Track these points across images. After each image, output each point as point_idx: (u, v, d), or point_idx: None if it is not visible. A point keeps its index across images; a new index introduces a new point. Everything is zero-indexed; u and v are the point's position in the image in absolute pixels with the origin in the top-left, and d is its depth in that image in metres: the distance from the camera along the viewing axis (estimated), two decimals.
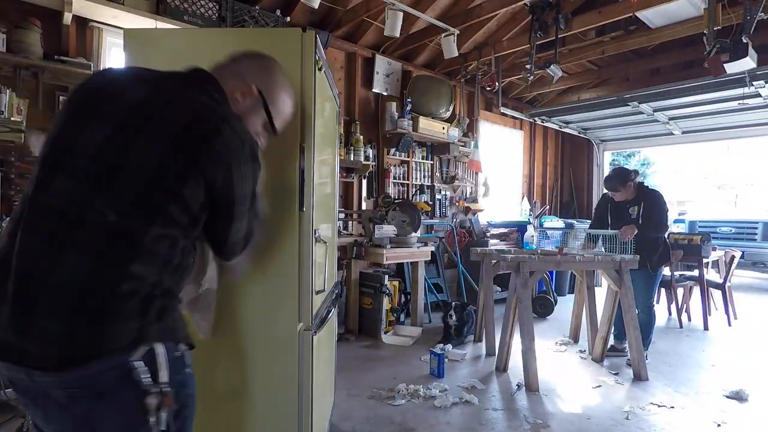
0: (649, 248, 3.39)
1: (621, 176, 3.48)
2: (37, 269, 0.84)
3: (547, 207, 7.17)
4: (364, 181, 4.88)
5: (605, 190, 3.62)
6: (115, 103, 0.94)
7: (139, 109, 0.93)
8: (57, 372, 0.82)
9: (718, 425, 2.53)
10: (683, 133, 6.23)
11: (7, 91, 2.61)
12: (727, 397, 2.89)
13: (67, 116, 0.96)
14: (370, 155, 4.78)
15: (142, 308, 0.88)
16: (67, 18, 2.96)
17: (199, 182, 0.93)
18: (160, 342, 0.88)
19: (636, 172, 3.58)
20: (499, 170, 6.61)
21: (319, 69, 1.62)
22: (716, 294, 5.03)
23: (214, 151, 0.93)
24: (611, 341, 3.67)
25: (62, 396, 0.85)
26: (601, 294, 3.83)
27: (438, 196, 5.65)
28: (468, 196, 6.04)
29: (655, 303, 3.65)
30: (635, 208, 3.45)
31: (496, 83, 5.50)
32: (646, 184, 3.61)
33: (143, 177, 0.88)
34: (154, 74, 1.02)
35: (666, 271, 4.68)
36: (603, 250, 3.58)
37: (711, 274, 5.36)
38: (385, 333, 4.09)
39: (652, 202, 3.42)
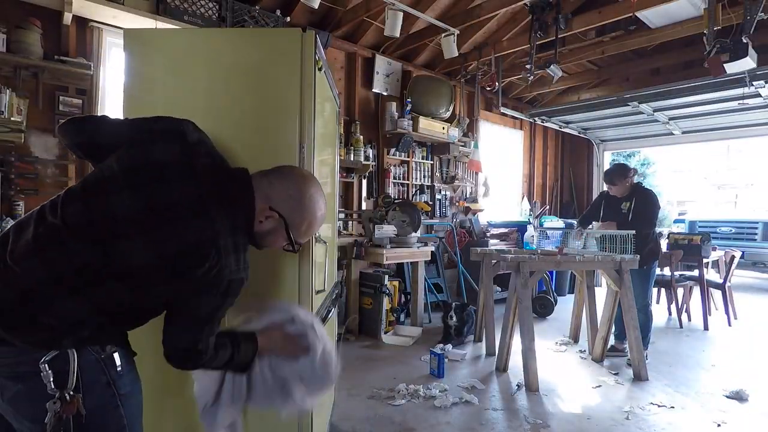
0: (638, 243, 3.42)
1: (620, 171, 3.56)
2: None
3: (547, 207, 7.17)
4: (364, 181, 4.88)
5: (604, 185, 3.71)
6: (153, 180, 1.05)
7: (165, 205, 1.03)
8: None
9: (718, 425, 2.53)
10: (683, 133, 6.23)
11: (7, 91, 2.61)
12: (727, 397, 2.89)
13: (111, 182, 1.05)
14: (370, 155, 4.79)
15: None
16: (67, 18, 2.96)
17: (167, 291, 1.05)
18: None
19: (635, 171, 3.65)
20: (499, 170, 6.61)
21: (319, 69, 1.62)
22: (716, 294, 5.03)
23: (194, 277, 1.02)
24: (611, 341, 3.68)
25: None
26: (601, 294, 3.83)
27: (438, 196, 5.65)
28: (468, 196, 6.04)
29: (652, 302, 3.66)
30: (627, 204, 3.53)
31: (496, 83, 5.50)
32: (642, 184, 3.68)
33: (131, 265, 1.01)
34: (201, 169, 1.10)
35: (666, 270, 4.69)
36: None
37: (711, 274, 5.36)
38: (385, 333, 4.09)
39: (643, 199, 3.51)
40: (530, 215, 6.43)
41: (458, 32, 4.52)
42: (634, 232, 3.33)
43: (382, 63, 4.94)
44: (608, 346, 3.64)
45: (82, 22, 3.11)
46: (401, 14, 3.99)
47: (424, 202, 5.37)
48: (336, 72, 4.65)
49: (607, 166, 7.58)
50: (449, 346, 3.75)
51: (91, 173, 1.11)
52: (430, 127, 5.08)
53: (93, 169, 1.15)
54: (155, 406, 1.56)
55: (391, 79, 5.06)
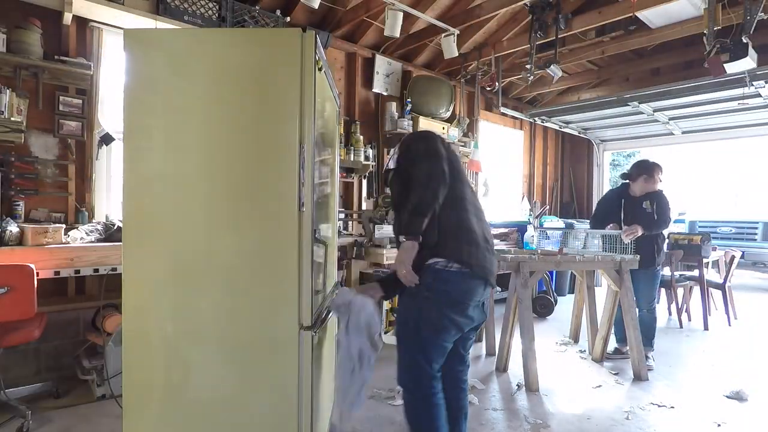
0: (657, 245, 3.43)
1: (654, 166, 3.49)
2: (489, 238, 1.82)
3: (547, 207, 7.17)
4: (364, 181, 4.88)
5: (605, 184, 3.64)
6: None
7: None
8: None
9: (718, 425, 2.53)
10: (683, 133, 6.23)
11: (7, 91, 2.60)
12: (727, 397, 2.90)
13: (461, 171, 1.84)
14: (370, 155, 4.78)
15: None
16: (67, 18, 2.95)
17: None
18: None
19: None
20: (499, 170, 6.61)
21: (319, 69, 1.62)
22: (716, 294, 5.03)
23: None
24: (615, 344, 3.67)
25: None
26: (601, 294, 3.83)
27: None
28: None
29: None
30: (648, 203, 3.46)
31: (496, 83, 5.50)
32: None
33: None
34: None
35: (666, 271, 4.69)
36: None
37: (711, 274, 5.36)
38: (385, 333, 4.09)
39: (662, 200, 3.46)
40: (530, 215, 6.43)
41: (458, 32, 4.51)
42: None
43: (382, 63, 4.94)
44: (612, 349, 3.64)
45: (82, 22, 3.10)
46: (401, 14, 3.99)
47: None
48: (336, 72, 4.65)
49: (607, 166, 7.60)
50: None
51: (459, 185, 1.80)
52: (430, 127, 5.07)
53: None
54: (162, 405, 1.56)
55: (391, 79, 5.06)
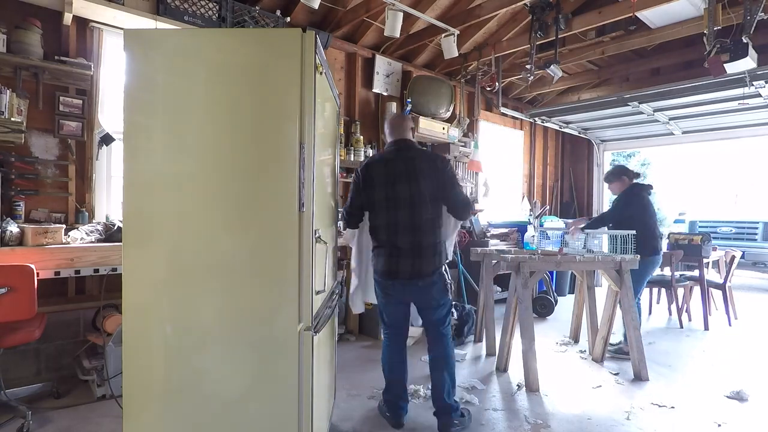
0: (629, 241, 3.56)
1: (615, 172, 3.84)
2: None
3: (547, 207, 7.17)
4: None
5: (605, 185, 3.92)
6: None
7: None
8: None
9: (719, 425, 2.53)
10: (683, 133, 6.23)
11: (7, 91, 2.60)
12: (727, 397, 2.89)
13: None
14: (370, 155, 4.78)
15: None
16: (67, 18, 2.96)
17: None
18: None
19: (636, 174, 3.83)
20: (499, 170, 6.61)
21: (320, 74, 1.62)
22: (716, 294, 5.03)
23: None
24: (621, 342, 3.67)
25: None
26: (601, 294, 3.82)
27: None
28: (468, 196, 6.03)
29: (639, 297, 3.72)
30: (615, 203, 3.83)
31: (496, 83, 5.50)
32: (635, 186, 3.76)
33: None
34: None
35: (666, 271, 4.69)
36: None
37: (711, 274, 5.36)
38: None
39: (619, 198, 3.74)
40: (530, 215, 6.42)
41: (458, 32, 4.51)
42: (633, 232, 3.37)
43: (382, 63, 4.94)
44: (615, 348, 3.64)
45: (82, 23, 3.11)
46: (401, 14, 3.99)
47: None
48: (336, 72, 4.65)
49: (607, 166, 7.61)
50: None
51: None
52: (430, 128, 5.07)
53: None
54: (162, 405, 1.56)
55: (391, 79, 5.06)
